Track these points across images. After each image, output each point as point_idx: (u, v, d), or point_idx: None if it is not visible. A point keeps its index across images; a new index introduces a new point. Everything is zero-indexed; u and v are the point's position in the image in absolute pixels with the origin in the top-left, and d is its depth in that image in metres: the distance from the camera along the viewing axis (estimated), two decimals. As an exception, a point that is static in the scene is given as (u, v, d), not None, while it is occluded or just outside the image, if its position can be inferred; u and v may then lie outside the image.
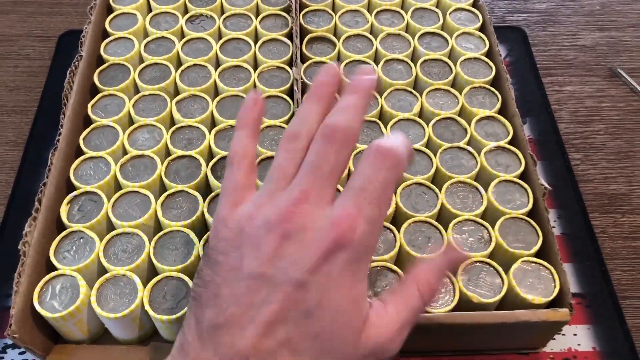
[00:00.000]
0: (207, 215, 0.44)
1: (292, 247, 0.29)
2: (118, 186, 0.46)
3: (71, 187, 0.46)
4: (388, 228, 0.44)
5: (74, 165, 0.47)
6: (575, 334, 0.46)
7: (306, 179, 0.31)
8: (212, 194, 0.45)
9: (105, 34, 0.56)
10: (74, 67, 0.51)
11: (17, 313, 0.39)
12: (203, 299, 0.30)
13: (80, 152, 0.48)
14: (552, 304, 0.41)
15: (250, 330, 0.28)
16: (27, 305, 0.40)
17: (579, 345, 0.45)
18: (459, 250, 0.35)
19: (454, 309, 0.40)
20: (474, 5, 0.60)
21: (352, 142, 0.32)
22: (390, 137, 0.32)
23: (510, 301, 0.42)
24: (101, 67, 0.53)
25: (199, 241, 0.42)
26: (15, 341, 0.39)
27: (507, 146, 0.49)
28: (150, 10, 0.59)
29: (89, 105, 0.50)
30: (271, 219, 0.30)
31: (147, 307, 0.40)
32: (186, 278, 0.41)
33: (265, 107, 0.39)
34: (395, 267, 0.42)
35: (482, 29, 0.58)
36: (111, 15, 0.57)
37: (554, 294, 0.41)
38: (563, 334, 0.46)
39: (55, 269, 0.42)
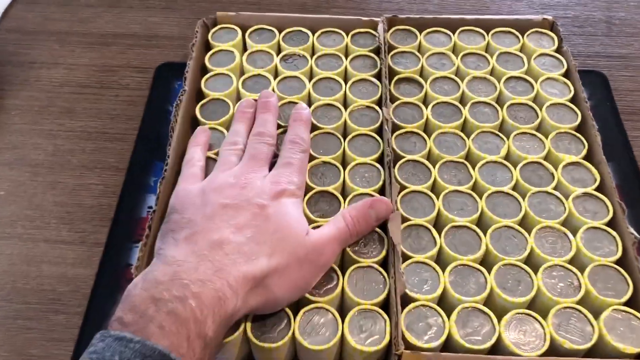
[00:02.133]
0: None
1: (250, 190, 0.42)
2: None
3: (175, 215, 0.49)
4: (478, 270, 0.45)
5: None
6: (662, 384, 0.46)
7: (249, 161, 0.46)
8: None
9: (205, 70, 0.60)
10: (179, 101, 0.55)
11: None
12: (175, 228, 0.40)
13: (183, 182, 0.51)
14: (643, 354, 0.42)
15: (224, 230, 0.39)
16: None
17: (667, 396, 0.45)
18: (384, 203, 0.46)
19: (544, 354, 0.41)
20: (558, 50, 0.61)
21: (273, 143, 0.49)
22: (297, 131, 0.50)
23: (600, 349, 0.42)
24: (202, 102, 0.56)
25: (297, 273, 0.45)
26: None
27: (595, 193, 0.50)
28: (246, 48, 0.62)
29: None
30: (228, 180, 0.44)
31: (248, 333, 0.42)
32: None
33: (210, 136, 0.53)
34: (486, 309, 0.43)
35: (567, 74, 0.59)
36: (210, 52, 0.60)
37: (646, 344, 0.42)
38: (650, 384, 0.46)
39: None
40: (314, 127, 0.55)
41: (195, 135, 0.51)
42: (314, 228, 0.45)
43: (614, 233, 0.47)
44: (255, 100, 0.54)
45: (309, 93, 0.57)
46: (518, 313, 0.43)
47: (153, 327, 0.33)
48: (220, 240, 0.38)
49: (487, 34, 0.62)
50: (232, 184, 0.43)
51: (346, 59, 0.60)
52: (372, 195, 0.49)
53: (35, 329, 0.49)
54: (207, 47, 0.62)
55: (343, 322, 0.42)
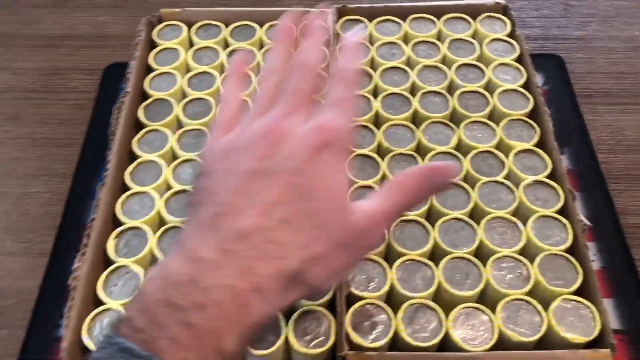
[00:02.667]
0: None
1: (284, 148, 0.33)
2: (163, 221, 0.48)
3: (118, 222, 0.48)
4: (426, 264, 0.44)
5: (120, 201, 0.48)
6: (617, 372, 0.45)
7: (287, 100, 0.35)
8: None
9: (149, 69, 0.58)
10: (120, 103, 0.53)
11: (67, 347, 0.41)
12: (200, 201, 0.33)
13: (126, 187, 0.50)
14: (592, 343, 0.41)
15: (251, 212, 0.31)
16: (77, 339, 0.42)
17: (621, 383, 0.45)
18: (443, 170, 0.35)
19: (492, 348, 0.41)
20: (511, 35, 0.60)
21: (316, 73, 0.37)
22: (346, 59, 0.37)
23: (549, 340, 0.42)
24: (146, 102, 0.55)
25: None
26: (66, 374, 0.40)
27: (546, 180, 0.49)
28: (192, 44, 0.61)
29: (134, 141, 0.52)
30: (260, 130, 0.34)
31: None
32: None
33: (250, 62, 0.44)
34: (433, 305, 0.42)
35: (520, 59, 0.58)
36: (155, 50, 0.59)
37: (595, 334, 0.41)
38: (604, 372, 0.45)
39: (102, 302, 0.43)
40: (260, 124, 0.53)
41: (229, 67, 0.43)
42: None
43: (564, 221, 0.46)
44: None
45: (256, 89, 0.56)
46: (466, 307, 0.42)
47: (164, 339, 0.28)
48: (246, 229, 0.31)
49: (439, 21, 0.61)
50: (263, 135, 0.34)
51: (294, 51, 0.58)
52: None
53: (-23, 345, 0.48)
54: (152, 45, 0.61)
55: (287, 324, 0.41)
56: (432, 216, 0.48)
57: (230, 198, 0.32)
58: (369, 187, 0.47)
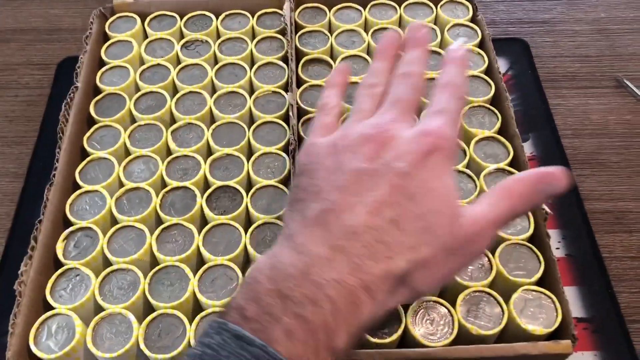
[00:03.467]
0: (202, 249, 0.43)
1: (391, 150, 0.33)
2: (114, 220, 0.46)
3: (68, 223, 0.46)
4: (385, 258, 0.43)
5: (69, 200, 0.47)
6: (581, 361, 0.45)
7: (391, 107, 0.36)
8: (207, 226, 0.45)
9: (102, 63, 0.56)
10: (69, 99, 0.51)
11: (13, 355, 0.39)
12: (304, 199, 0.33)
13: (77, 186, 0.48)
14: (554, 334, 0.40)
15: (360, 210, 0.31)
16: (24, 347, 0.40)
17: (586, 373, 0.44)
18: (557, 177, 0.34)
19: (452, 343, 0.40)
20: (473, 20, 0.58)
21: (421, 84, 0.38)
22: (452, 72, 0.37)
23: (510, 332, 0.41)
24: (97, 98, 0.53)
25: (194, 276, 0.42)
26: (11, 384, 0.39)
27: (508, 168, 0.48)
28: (146, 36, 0.59)
29: (85, 137, 0.50)
30: (367, 132, 0.34)
31: (142, 346, 0.39)
32: (181, 315, 0.41)
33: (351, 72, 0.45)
34: (392, 299, 0.41)
35: (481, 45, 0.57)
36: (107, 43, 0.57)
37: (556, 324, 0.40)
38: (569, 362, 0.44)
39: (51, 307, 0.42)
40: (216, 118, 0.52)
41: (332, 75, 0.43)
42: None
43: (526, 209, 0.45)
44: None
45: (212, 81, 0.54)
46: (425, 301, 0.41)
47: (279, 330, 0.28)
48: (356, 227, 0.31)
49: (400, 7, 0.59)
50: (370, 137, 0.34)
51: (251, 42, 0.57)
52: (277, 186, 0.46)
53: None
54: (105, 38, 0.58)
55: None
56: (391, 208, 0.47)
57: (338, 196, 0.32)
58: None
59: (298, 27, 0.58)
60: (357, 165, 0.33)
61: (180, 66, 0.55)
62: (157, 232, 0.44)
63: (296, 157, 0.47)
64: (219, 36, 0.58)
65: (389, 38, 0.42)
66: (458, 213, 0.33)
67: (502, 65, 0.58)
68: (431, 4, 0.59)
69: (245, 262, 0.45)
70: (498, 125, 0.51)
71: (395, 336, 0.40)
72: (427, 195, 0.32)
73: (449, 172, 0.33)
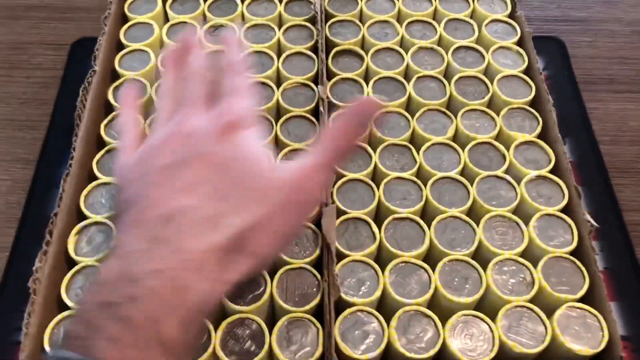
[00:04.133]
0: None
1: (192, 138, 0.34)
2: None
3: (82, 215, 0.44)
4: (421, 267, 0.41)
5: (84, 192, 0.44)
6: (621, 382, 0.43)
7: (185, 106, 0.36)
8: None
9: (120, 46, 0.54)
10: (87, 84, 0.49)
11: (27, 357, 0.37)
12: (123, 209, 0.33)
13: (93, 177, 0.46)
14: (599, 355, 0.38)
15: (173, 196, 0.31)
16: (38, 349, 0.38)
17: (626, 394, 0.42)
18: (372, 103, 0.35)
19: (493, 359, 0.38)
20: (511, 16, 0.56)
21: (206, 75, 0.38)
22: (230, 52, 0.39)
23: (553, 351, 0.39)
24: (116, 83, 0.50)
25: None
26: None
27: (549, 176, 0.45)
28: (167, 19, 0.56)
29: (102, 125, 0.48)
30: (167, 134, 0.35)
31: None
32: (206, 321, 0.38)
33: (139, 90, 0.45)
34: (429, 312, 0.39)
35: (521, 42, 0.54)
36: (126, 25, 0.54)
37: (602, 345, 0.38)
38: (609, 382, 0.43)
39: (67, 306, 0.40)
40: (242, 110, 0.49)
41: (121, 97, 0.43)
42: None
43: (569, 220, 0.43)
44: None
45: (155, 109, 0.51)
46: (464, 315, 0.39)
47: (102, 340, 0.27)
48: (172, 213, 0.31)
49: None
50: (171, 135, 0.35)
51: (279, 29, 0.54)
52: None
53: None
54: (123, 20, 0.56)
55: (271, 333, 0.38)
56: (427, 214, 0.44)
57: (151, 193, 0.32)
58: (358, 219, 0.43)
59: (328, 16, 0.55)
60: (164, 161, 0.33)
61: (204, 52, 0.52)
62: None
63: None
64: (244, 21, 0.55)
65: (171, 52, 0.42)
66: (274, 168, 0.34)
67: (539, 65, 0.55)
68: (468, -3, 0.57)
69: (272, 265, 0.42)
70: (539, 129, 0.48)
71: (432, 351, 0.38)
72: (237, 162, 0.33)
73: (253, 140, 0.34)
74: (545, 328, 0.39)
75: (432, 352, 0.38)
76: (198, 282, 0.29)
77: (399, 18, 0.56)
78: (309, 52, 0.52)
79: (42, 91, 0.58)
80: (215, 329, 0.38)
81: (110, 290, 0.28)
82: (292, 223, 0.34)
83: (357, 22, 0.55)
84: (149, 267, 0.29)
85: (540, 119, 0.49)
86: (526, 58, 0.53)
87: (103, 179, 0.45)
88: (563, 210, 0.44)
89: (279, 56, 0.52)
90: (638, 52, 0.61)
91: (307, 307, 0.39)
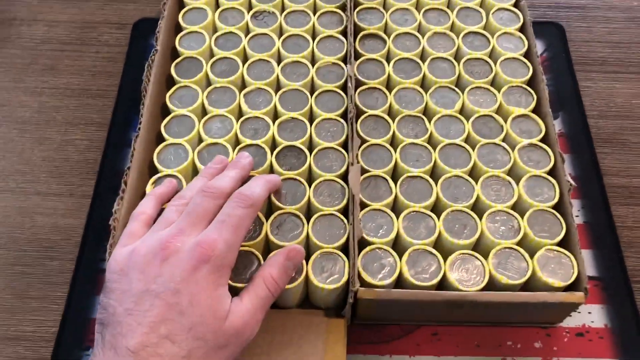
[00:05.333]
0: (272, 198, 0.51)
1: (169, 266, 0.40)
2: (195, 170, 0.54)
3: (152, 170, 0.53)
4: (429, 215, 0.50)
5: (157, 150, 0.54)
6: (589, 312, 0.52)
7: (183, 219, 0.42)
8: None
9: (178, 27, 0.63)
10: (150, 61, 0.58)
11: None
12: (104, 320, 0.40)
13: (160, 139, 0.55)
14: (570, 287, 0.47)
15: (140, 330, 0.37)
16: (125, 271, 0.48)
17: (592, 322, 0.52)
18: (297, 252, 0.45)
19: (483, 289, 0.47)
20: (516, 5, 0.64)
21: (220, 197, 0.44)
22: (250, 185, 0.45)
23: (533, 283, 0.48)
24: (177, 60, 0.59)
25: (266, 221, 0.49)
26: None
27: (539, 143, 0.54)
28: (218, 5, 0.65)
29: (167, 96, 0.57)
30: (154, 247, 0.41)
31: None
32: (256, 252, 0.48)
33: (175, 188, 0.50)
34: (434, 251, 0.48)
35: (522, 29, 0.62)
36: (183, 10, 0.63)
37: (572, 279, 0.47)
38: (579, 312, 0.52)
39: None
40: (282, 84, 0.58)
41: (160, 185, 0.50)
42: (233, 287, 0.44)
43: (553, 181, 0.52)
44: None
45: (279, 50, 0.60)
46: (462, 253, 0.48)
47: None
48: (135, 347, 0.37)
49: (449, -11, 0.65)
50: (155, 254, 0.40)
51: (314, 15, 0.63)
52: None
53: (32, 274, 0.54)
54: (180, 3, 0.65)
55: (307, 263, 0.48)
56: (435, 173, 0.54)
57: (125, 318, 0.38)
58: (379, 176, 0.52)
59: (356, 3, 0.64)
60: (141, 287, 0.39)
61: (250, 35, 0.61)
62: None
63: (354, 124, 0.54)
64: (284, 8, 0.64)
65: (216, 160, 0.49)
66: (224, 317, 0.40)
67: (538, 46, 0.63)
68: (478, -13, 0.65)
69: (308, 211, 0.52)
70: (533, 104, 0.57)
71: (435, 280, 0.47)
72: (195, 309, 0.38)
73: (217, 281, 0.40)
74: (528, 265, 0.48)
75: (434, 281, 0.47)
76: None
77: (418, 6, 0.64)
78: (339, 36, 0.61)
79: (110, 65, 0.68)
80: (264, 259, 0.48)
81: None
82: (231, 356, 0.41)
83: (381, 9, 0.63)
84: None
85: (534, 95, 0.57)
86: (526, 43, 0.61)
87: (171, 140, 0.54)
88: (549, 173, 0.53)
89: (313, 38, 0.61)
90: (629, 37, 0.69)
91: (336, 244, 0.48)
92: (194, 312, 0.39)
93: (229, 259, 0.41)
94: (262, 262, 0.48)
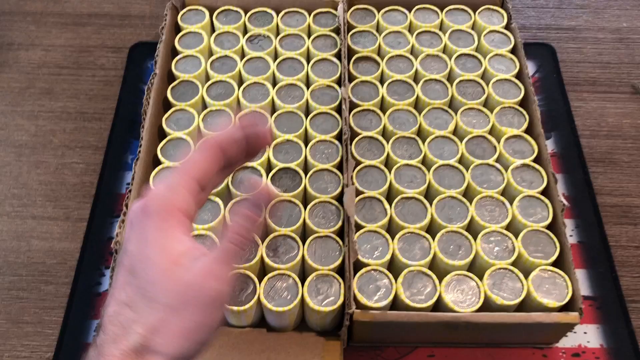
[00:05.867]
0: (268, 221, 0.51)
1: (126, 226, 0.36)
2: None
3: (151, 192, 0.54)
4: (424, 236, 0.50)
5: (153, 174, 0.54)
6: (585, 332, 0.52)
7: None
8: (272, 201, 0.52)
9: (175, 51, 0.63)
10: (150, 84, 0.59)
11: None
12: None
13: (157, 161, 0.56)
14: (565, 308, 0.48)
15: (109, 302, 0.35)
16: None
17: (588, 342, 0.52)
18: (265, 191, 0.37)
19: (479, 309, 0.47)
20: (507, 27, 0.65)
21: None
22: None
23: (528, 304, 0.48)
24: (173, 84, 0.60)
25: (262, 243, 0.50)
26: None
27: (532, 164, 0.55)
28: (214, 29, 0.65)
29: (163, 119, 0.58)
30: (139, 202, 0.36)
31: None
32: (251, 274, 0.48)
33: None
34: (429, 272, 0.49)
35: (514, 50, 0.63)
36: (180, 34, 0.64)
37: (567, 299, 0.47)
38: (574, 332, 0.52)
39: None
40: (277, 107, 0.59)
41: (181, 164, 0.41)
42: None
43: (546, 201, 0.53)
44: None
45: (274, 73, 0.61)
46: (457, 274, 0.49)
47: None
48: (104, 319, 0.35)
49: (441, 12, 0.66)
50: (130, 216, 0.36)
51: (308, 38, 0.64)
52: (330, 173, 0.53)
53: (27, 299, 0.54)
54: (177, 28, 0.65)
55: (303, 286, 0.48)
56: (430, 194, 0.54)
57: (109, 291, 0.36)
58: (373, 198, 0.52)
59: (350, 27, 0.65)
60: (120, 257, 0.36)
61: (245, 58, 0.62)
62: (229, 205, 0.52)
63: (349, 146, 0.54)
64: (279, 32, 0.65)
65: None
66: (172, 268, 0.34)
67: (530, 67, 0.64)
68: (469, 11, 0.66)
69: (304, 233, 0.52)
70: (525, 125, 0.58)
71: (430, 302, 0.47)
72: (142, 264, 0.34)
73: (162, 231, 0.35)
74: (522, 285, 0.48)
75: (430, 303, 0.47)
76: None
77: (410, 29, 0.65)
78: (334, 58, 0.62)
79: (106, 88, 0.68)
80: (260, 281, 0.48)
81: None
82: (199, 320, 0.35)
83: (375, 32, 0.64)
84: None
85: (527, 116, 0.58)
86: (518, 64, 0.62)
87: (167, 163, 0.55)
88: (542, 193, 0.53)
89: (308, 61, 0.62)
90: (617, 58, 0.70)
91: (332, 266, 0.49)
92: (142, 269, 0.35)
93: (172, 200, 0.36)
94: (257, 284, 0.48)
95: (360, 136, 0.56)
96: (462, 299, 0.48)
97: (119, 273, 0.35)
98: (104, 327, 0.34)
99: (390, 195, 0.54)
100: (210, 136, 0.38)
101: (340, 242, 0.50)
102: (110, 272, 0.48)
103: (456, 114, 0.58)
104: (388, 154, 0.55)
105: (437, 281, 0.48)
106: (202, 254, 0.35)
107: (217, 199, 0.52)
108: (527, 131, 0.57)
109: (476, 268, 0.50)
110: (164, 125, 0.57)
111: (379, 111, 0.58)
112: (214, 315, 0.36)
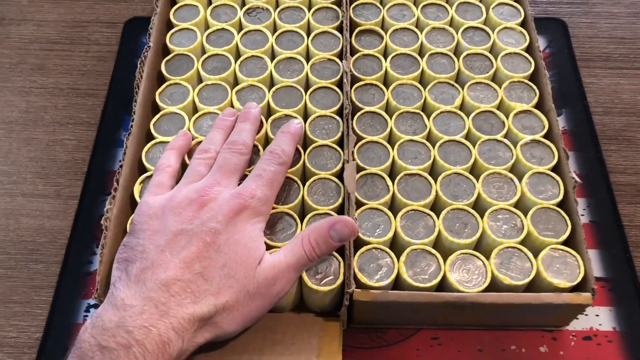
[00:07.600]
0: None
1: (208, 211, 0.41)
2: (185, 168, 0.52)
3: (143, 168, 0.52)
4: (428, 214, 0.48)
5: (145, 149, 0.52)
6: (597, 315, 0.50)
7: (216, 173, 0.44)
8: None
9: (170, 24, 0.61)
10: (143, 58, 0.56)
11: (101, 279, 0.45)
12: (130, 258, 0.40)
13: (150, 136, 0.53)
14: (576, 288, 0.45)
15: (173, 265, 0.39)
16: (109, 273, 0.46)
17: (600, 325, 0.49)
18: (348, 226, 0.43)
19: (485, 290, 0.45)
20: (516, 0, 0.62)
21: (246, 153, 0.47)
22: (280, 143, 0.47)
23: (537, 284, 0.46)
24: (167, 57, 0.58)
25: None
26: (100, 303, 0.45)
27: (542, 140, 0.52)
28: (210, 2, 0.63)
29: (157, 93, 0.55)
30: (190, 195, 0.42)
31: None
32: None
33: (191, 141, 0.51)
34: (433, 250, 0.46)
35: (524, 23, 0.60)
36: (175, 7, 0.61)
37: (579, 280, 0.45)
38: (586, 314, 0.50)
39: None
40: (276, 81, 0.56)
41: (174, 139, 0.50)
42: (269, 248, 0.45)
43: (557, 177, 0.50)
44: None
45: (272, 46, 0.59)
46: (463, 253, 0.46)
47: None
48: (167, 280, 0.38)
49: (448, -16, 0.63)
50: (192, 200, 0.42)
51: (309, 11, 0.61)
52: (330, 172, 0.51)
53: (16, 278, 0.52)
54: (172, 1, 0.63)
55: (301, 265, 0.45)
56: (435, 171, 0.52)
57: (157, 255, 0.39)
58: (375, 174, 0.50)
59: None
60: (177, 227, 0.40)
61: (243, 31, 0.59)
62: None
63: (350, 121, 0.52)
64: (277, 4, 0.63)
65: (227, 112, 0.51)
66: (258, 260, 0.41)
67: (540, 43, 0.61)
68: (478, -18, 0.63)
69: (302, 210, 0.50)
70: (536, 100, 0.55)
71: (434, 281, 0.45)
72: (231, 247, 0.40)
73: (255, 227, 0.42)
74: (532, 265, 0.46)
75: (434, 282, 0.45)
76: (176, 341, 0.37)
77: (416, 1, 0.63)
78: (335, 31, 0.59)
79: (100, 64, 0.66)
80: (255, 260, 0.46)
81: (108, 337, 0.36)
82: (259, 309, 0.41)
83: (378, 4, 0.62)
84: (141, 323, 0.36)
85: (537, 91, 0.55)
86: (528, 37, 0.59)
87: (160, 138, 0.52)
88: (553, 170, 0.51)
89: (308, 34, 0.59)
90: (633, 33, 0.67)
91: (331, 245, 0.46)
92: (230, 250, 0.40)
93: (265, 210, 0.43)
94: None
95: (362, 111, 0.54)
96: (467, 278, 0.45)
97: (195, 244, 0.39)
98: (168, 286, 0.38)
99: (393, 172, 0.52)
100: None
101: (340, 220, 0.48)
102: (101, 249, 0.46)
103: (463, 88, 0.56)
104: (391, 130, 0.53)
105: (441, 260, 0.46)
106: (278, 253, 0.42)
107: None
108: (537, 106, 0.55)
109: (483, 247, 0.48)
110: (157, 100, 0.55)
111: (382, 85, 0.56)
112: (270, 306, 0.42)
